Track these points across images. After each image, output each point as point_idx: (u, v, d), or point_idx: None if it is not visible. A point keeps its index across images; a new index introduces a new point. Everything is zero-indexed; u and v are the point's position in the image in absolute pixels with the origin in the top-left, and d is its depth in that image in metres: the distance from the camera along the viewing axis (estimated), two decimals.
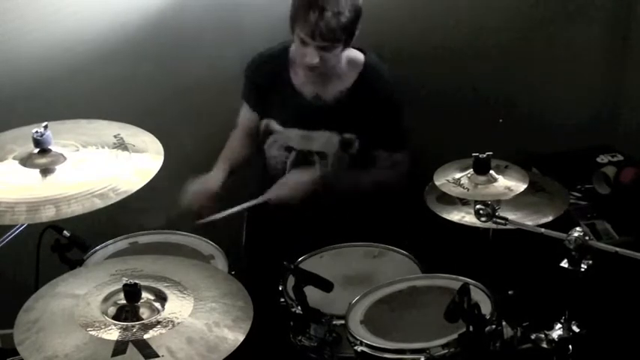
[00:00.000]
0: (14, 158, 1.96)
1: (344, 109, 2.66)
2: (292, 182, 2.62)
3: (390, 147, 2.71)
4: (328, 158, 2.69)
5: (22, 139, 2.00)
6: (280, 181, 2.64)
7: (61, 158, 1.95)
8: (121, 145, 2.04)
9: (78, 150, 2.00)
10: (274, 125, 2.71)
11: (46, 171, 1.92)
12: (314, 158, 2.71)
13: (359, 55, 2.69)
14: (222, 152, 2.77)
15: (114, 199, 1.85)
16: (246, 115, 2.78)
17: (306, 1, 2.47)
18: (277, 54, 2.71)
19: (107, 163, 1.98)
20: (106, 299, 1.71)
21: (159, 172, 1.97)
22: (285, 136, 2.71)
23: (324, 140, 2.68)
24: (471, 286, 1.87)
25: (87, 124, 2.16)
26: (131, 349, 1.57)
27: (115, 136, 2.07)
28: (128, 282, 1.67)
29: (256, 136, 2.77)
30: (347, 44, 2.57)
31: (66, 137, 2.03)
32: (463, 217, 2.27)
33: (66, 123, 2.13)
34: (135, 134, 2.11)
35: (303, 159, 2.70)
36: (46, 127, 1.95)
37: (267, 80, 2.70)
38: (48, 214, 1.79)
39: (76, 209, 1.81)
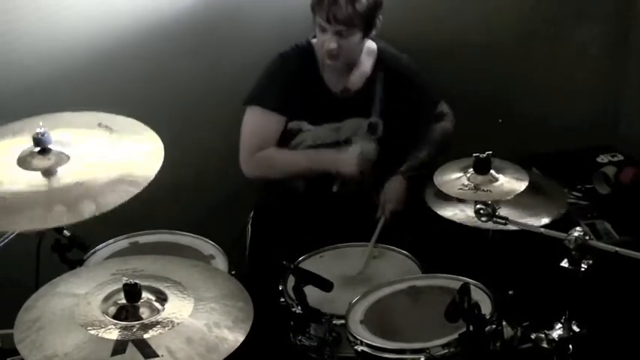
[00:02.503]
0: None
1: (370, 96, 2.72)
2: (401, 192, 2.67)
3: (432, 105, 2.86)
4: (355, 143, 2.73)
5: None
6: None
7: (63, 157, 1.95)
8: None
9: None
10: (304, 125, 2.70)
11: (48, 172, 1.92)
12: (341, 148, 2.73)
13: (371, 43, 2.74)
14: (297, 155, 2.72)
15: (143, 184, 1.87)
16: (273, 123, 2.69)
17: None
18: (303, 50, 2.71)
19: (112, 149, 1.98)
20: (106, 299, 1.71)
21: (160, 172, 1.97)
22: (315, 134, 2.71)
23: (353, 126, 2.73)
24: (471, 286, 1.87)
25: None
26: (131, 349, 1.57)
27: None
28: (128, 282, 1.67)
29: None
30: (366, 34, 2.62)
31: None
32: (455, 214, 2.28)
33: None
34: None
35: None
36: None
37: (298, 79, 2.67)
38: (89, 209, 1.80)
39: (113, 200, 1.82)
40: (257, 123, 2.70)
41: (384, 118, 2.74)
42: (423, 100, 2.84)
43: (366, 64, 2.74)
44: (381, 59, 2.76)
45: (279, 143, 2.71)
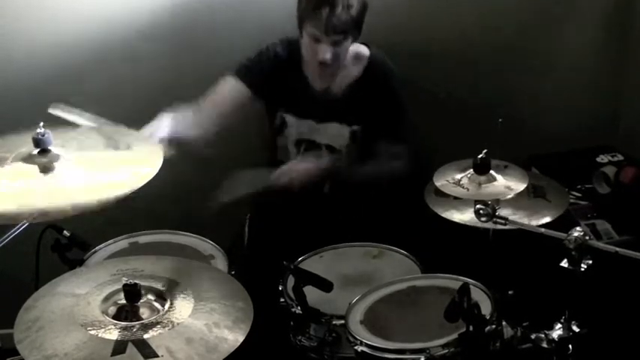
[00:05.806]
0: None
1: (352, 102, 2.69)
2: (294, 168, 2.60)
3: (390, 139, 2.70)
4: (337, 151, 2.71)
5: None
6: (282, 168, 2.60)
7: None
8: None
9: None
10: (289, 118, 2.71)
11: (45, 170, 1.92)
12: (322, 152, 2.72)
13: (363, 49, 2.71)
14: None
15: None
16: (235, 92, 2.69)
17: None
18: (289, 45, 2.69)
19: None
20: (106, 299, 1.71)
21: (159, 172, 1.97)
22: (299, 127, 2.71)
23: (335, 132, 2.71)
24: (471, 286, 1.88)
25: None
26: (131, 349, 1.58)
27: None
28: (128, 282, 1.67)
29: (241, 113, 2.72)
30: (355, 38, 2.60)
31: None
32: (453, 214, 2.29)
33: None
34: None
35: (313, 153, 2.71)
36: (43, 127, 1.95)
37: (280, 71, 2.67)
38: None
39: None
40: (223, 87, 2.68)
41: (363, 126, 2.70)
42: (397, 117, 2.74)
43: (354, 68, 2.70)
44: (371, 67, 2.70)
45: (270, 137, 2.76)
